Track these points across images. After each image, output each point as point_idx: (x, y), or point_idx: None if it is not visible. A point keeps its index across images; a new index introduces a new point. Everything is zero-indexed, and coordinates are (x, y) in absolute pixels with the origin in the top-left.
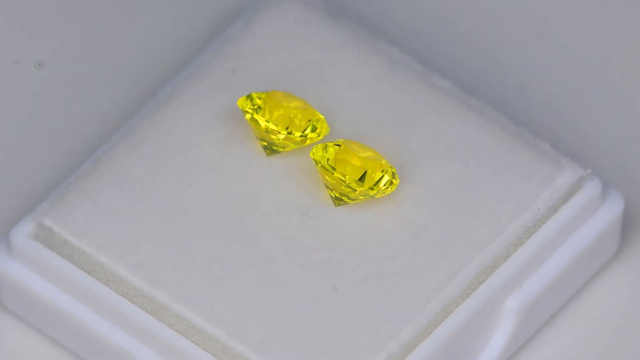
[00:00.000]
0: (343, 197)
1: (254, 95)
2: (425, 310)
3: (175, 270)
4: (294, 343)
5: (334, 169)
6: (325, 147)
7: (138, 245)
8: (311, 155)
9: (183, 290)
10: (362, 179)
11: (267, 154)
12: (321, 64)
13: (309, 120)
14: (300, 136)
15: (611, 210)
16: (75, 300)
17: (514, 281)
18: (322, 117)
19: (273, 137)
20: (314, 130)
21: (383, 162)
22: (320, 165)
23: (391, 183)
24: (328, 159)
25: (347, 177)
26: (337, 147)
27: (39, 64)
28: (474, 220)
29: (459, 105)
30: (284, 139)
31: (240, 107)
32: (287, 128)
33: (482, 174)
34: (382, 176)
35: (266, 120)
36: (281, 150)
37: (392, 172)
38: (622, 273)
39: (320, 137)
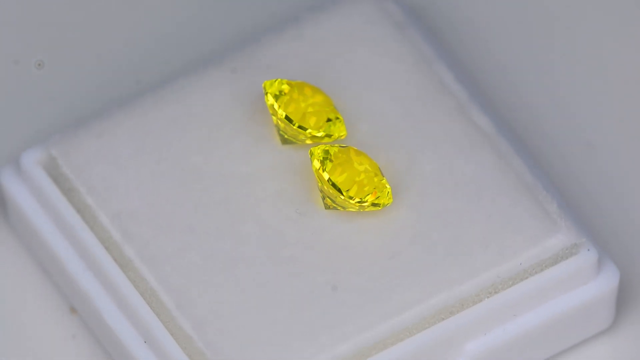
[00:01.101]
0: (334, 202)
1: (281, 81)
2: (371, 332)
3: (150, 229)
4: (232, 329)
5: (325, 171)
6: (327, 149)
7: (125, 196)
8: (309, 153)
9: (150, 250)
10: (350, 190)
11: (282, 142)
12: (367, 70)
13: (327, 120)
14: (311, 136)
15: (603, 283)
16: (60, 235)
17: (480, 327)
18: (341, 118)
19: (287, 128)
20: (328, 130)
21: (377, 179)
22: (313, 165)
23: (375, 204)
24: (323, 162)
25: (337, 184)
26: (338, 152)
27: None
28: (451, 258)
29: (484, 144)
30: (295, 132)
31: (264, 90)
32: (298, 122)
33: (477, 215)
34: (369, 193)
35: (282, 110)
36: (294, 141)
37: (387, 191)
38: (611, 349)
39: (333, 139)
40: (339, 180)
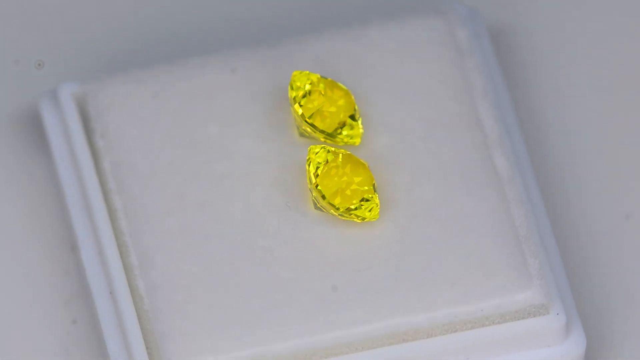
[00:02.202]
0: (318, 204)
1: (310, 75)
2: (312, 338)
3: (142, 186)
4: (181, 300)
5: (315, 175)
6: (329, 150)
7: (131, 148)
8: (308, 150)
9: (135, 206)
10: (334, 197)
11: (299, 134)
12: (408, 85)
13: (342, 125)
14: (325, 135)
15: (569, 349)
16: (71, 171)
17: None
18: (358, 125)
19: (301, 123)
20: (341, 134)
21: (367, 194)
22: (308, 163)
23: (358, 216)
24: (318, 163)
25: (322, 189)
26: (338, 157)
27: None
28: (415, 286)
29: (492, 185)
30: (309, 128)
31: (290, 80)
32: (312, 120)
33: (456, 251)
34: (355, 206)
35: (300, 104)
36: (309, 136)
37: (373, 207)
38: None
39: (343, 143)
40: (326, 184)
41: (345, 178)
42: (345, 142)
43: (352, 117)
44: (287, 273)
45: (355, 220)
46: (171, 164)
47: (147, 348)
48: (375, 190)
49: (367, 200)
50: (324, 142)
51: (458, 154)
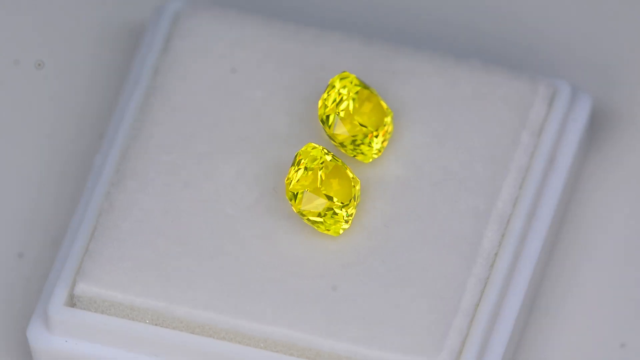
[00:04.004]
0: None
1: (353, 82)
2: (196, 312)
3: (165, 121)
4: (118, 261)
5: (295, 171)
6: (323, 152)
7: (179, 79)
8: (306, 145)
9: (143, 140)
10: (298, 199)
11: (326, 131)
12: (463, 135)
13: (354, 140)
14: (337, 142)
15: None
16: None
17: None
18: (373, 146)
19: (324, 126)
20: (352, 146)
21: (333, 209)
22: (295, 161)
23: (317, 223)
24: (306, 164)
25: (290, 186)
26: (325, 163)
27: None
28: (332, 309)
29: (466, 252)
30: (328, 132)
31: (330, 82)
32: (328, 124)
33: (391, 295)
34: (315, 214)
35: (323, 108)
36: (329, 134)
37: (335, 222)
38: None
39: (352, 155)
40: (296, 182)
41: (320, 186)
42: (354, 156)
43: (376, 135)
44: (231, 249)
45: (317, 228)
46: (202, 112)
47: (80, 260)
48: (346, 207)
49: (335, 214)
50: (333, 145)
51: (454, 212)
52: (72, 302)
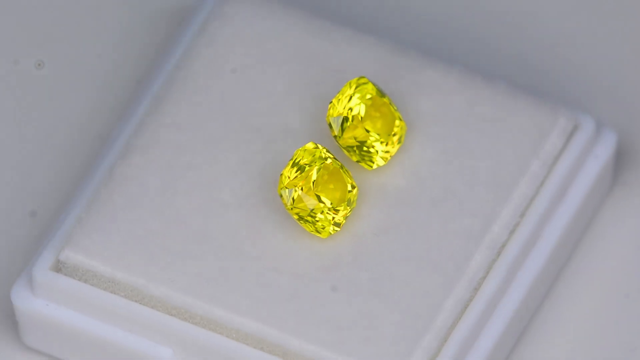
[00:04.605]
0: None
1: (369, 87)
2: (173, 294)
3: (182, 100)
4: (104, 237)
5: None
6: (317, 152)
7: (212, 57)
8: (306, 145)
9: (162, 111)
10: (292, 199)
11: (332, 133)
12: (473, 155)
13: (358, 146)
14: (346, 148)
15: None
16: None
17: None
18: (378, 155)
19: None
20: (356, 154)
21: (324, 212)
22: (293, 158)
23: (303, 220)
24: (304, 162)
25: (281, 180)
26: (324, 164)
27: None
28: (304, 309)
29: (451, 271)
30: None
31: (346, 84)
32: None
33: (367, 303)
34: (300, 212)
35: (333, 109)
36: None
37: (324, 226)
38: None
39: (355, 160)
40: (290, 179)
41: (313, 187)
42: (357, 161)
43: (384, 143)
44: (218, 235)
45: (305, 228)
46: (220, 97)
47: (71, 227)
48: (337, 211)
49: (322, 216)
50: (339, 148)
51: (447, 230)
52: (58, 267)
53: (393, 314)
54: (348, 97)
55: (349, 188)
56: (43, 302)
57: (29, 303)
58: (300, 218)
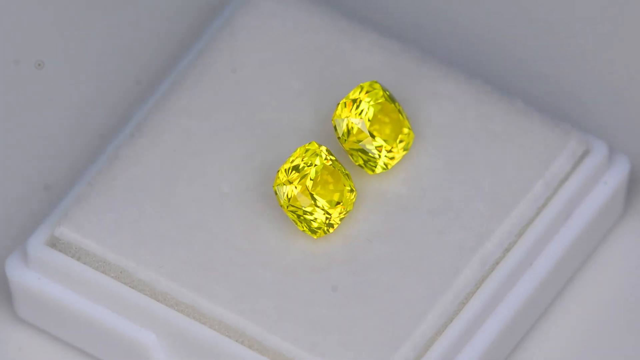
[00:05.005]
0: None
1: (379, 92)
2: (160, 279)
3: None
4: (95, 217)
5: (287, 171)
6: (318, 151)
7: (229, 52)
8: (308, 144)
9: (171, 103)
10: (286, 196)
11: (337, 135)
12: (479, 170)
13: (361, 154)
14: (350, 149)
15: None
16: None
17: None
18: (380, 162)
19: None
20: (357, 158)
21: (313, 214)
22: (292, 158)
23: (291, 211)
24: (304, 160)
25: (278, 175)
26: (324, 164)
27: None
28: (290, 308)
29: (438, 283)
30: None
31: (358, 86)
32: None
33: (352, 306)
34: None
35: (339, 113)
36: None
37: (316, 224)
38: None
39: (357, 164)
40: (286, 176)
41: (306, 185)
42: (359, 165)
43: (389, 150)
44: (212, 225)
45: (297, 226)
46: (236, 88)
47: (71, 204)
48: (330, 212)
49: (312, 215)
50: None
51: (440, 242)
52: (53, 242)
53: (374, 320)
54: (357, 100)
55: (346, 191)
56: (35, 276)
57: (22, 275)
58: (295, 217)
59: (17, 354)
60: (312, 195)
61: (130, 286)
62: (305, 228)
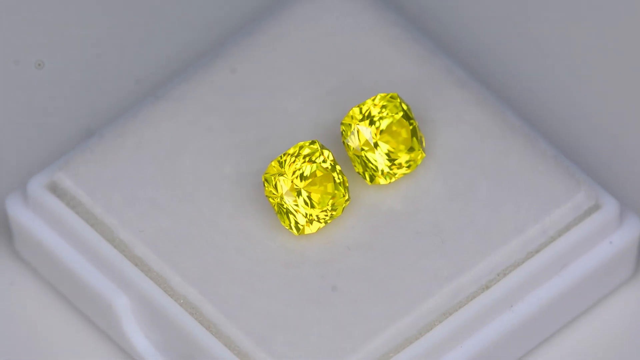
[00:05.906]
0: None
1: (396, 106)
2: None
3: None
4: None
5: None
6: (318, 151)
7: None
8: (308, 141)
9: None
10: (271, 187)
11: (342, 139)
12: (483, 202)
13: (363, 163)
14: (353, 156)
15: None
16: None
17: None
18: (382, 175)
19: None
20: (358, 166)
21: (303, 211)
22: (288, 152)
23: (281, 212)
24: (299, 157)
25: (267, 173)
26: (317, 165)
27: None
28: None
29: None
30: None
31: (377, 95)
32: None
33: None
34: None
35: (352, 116)
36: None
37: (301, 223)
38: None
39: (357, 171)
40: (277, 168)
41: (296, 186)
42: (358, 172)
43: (395, 163)
44: (201, 205)
45: (282, 222)
46: (265, 83)
47: (76, 153)
48: (311, 212)
49: (291, 213)
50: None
51: (416, 266)
52: (53, 187)
53: (329, 326)
54: (369, 109)
55: (334, 193)
56: (32, 217)
57: (20, 215)
58: (279, 210)
59: (7, 288)
60: (298, 191)
61: (112, 244)
62: (288, 224)
